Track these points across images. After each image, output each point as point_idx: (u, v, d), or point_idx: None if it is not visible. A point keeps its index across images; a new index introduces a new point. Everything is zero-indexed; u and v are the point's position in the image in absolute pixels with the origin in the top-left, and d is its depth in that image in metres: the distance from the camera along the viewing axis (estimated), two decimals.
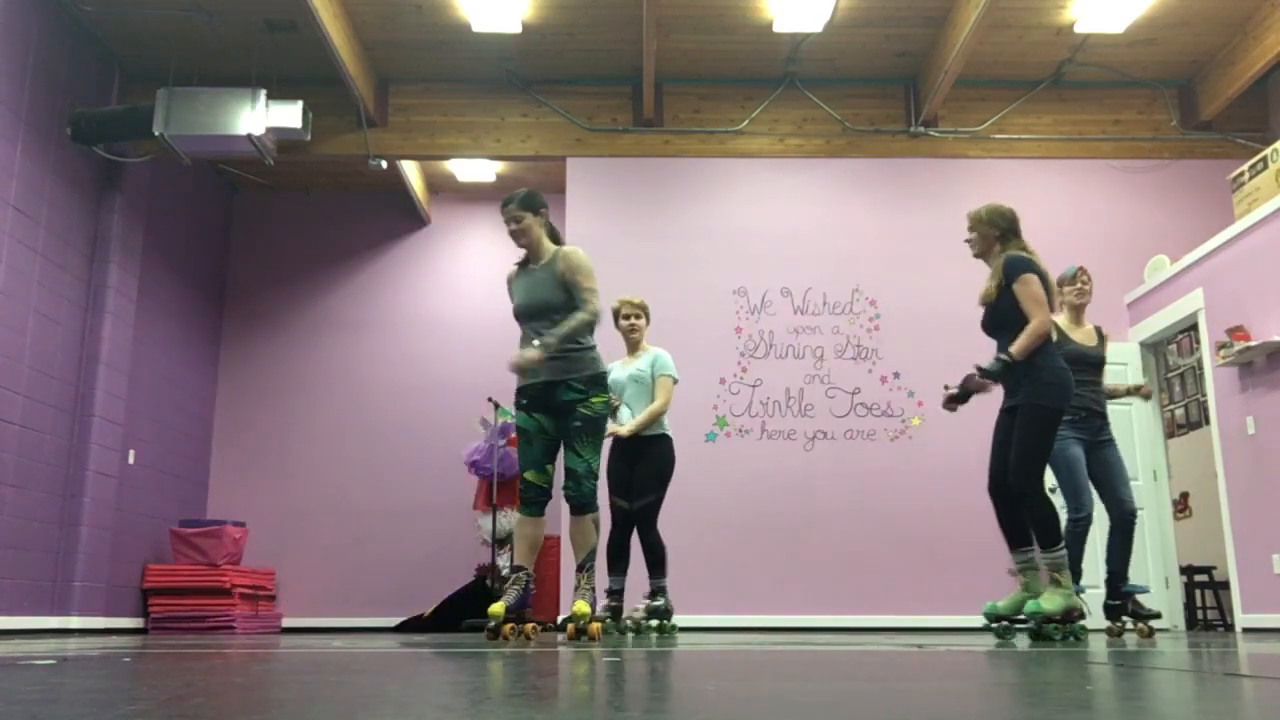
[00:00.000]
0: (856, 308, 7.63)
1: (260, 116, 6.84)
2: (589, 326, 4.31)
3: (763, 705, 1.48)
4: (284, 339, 9.11)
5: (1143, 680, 1.99)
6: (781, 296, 7.65)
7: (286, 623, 8.43)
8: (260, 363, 9.05)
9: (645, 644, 4.00)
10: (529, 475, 4.29)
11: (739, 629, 6.70)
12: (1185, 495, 8.45)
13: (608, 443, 4.94)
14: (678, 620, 5.65)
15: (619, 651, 3.23)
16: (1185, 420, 8.70)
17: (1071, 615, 4.29)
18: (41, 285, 6.48)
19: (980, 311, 4.58)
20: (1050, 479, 4.92)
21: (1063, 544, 4.36)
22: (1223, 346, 6.34)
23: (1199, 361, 7.62)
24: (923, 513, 7.21)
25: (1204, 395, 7.43)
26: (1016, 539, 4.39)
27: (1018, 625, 4.47)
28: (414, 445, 8.85)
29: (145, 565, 7.72)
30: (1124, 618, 5.30)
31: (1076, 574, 4.99)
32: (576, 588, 4.35)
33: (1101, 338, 5.46)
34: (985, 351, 4.66)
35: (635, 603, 5.53)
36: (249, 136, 6.84)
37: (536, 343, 4.17)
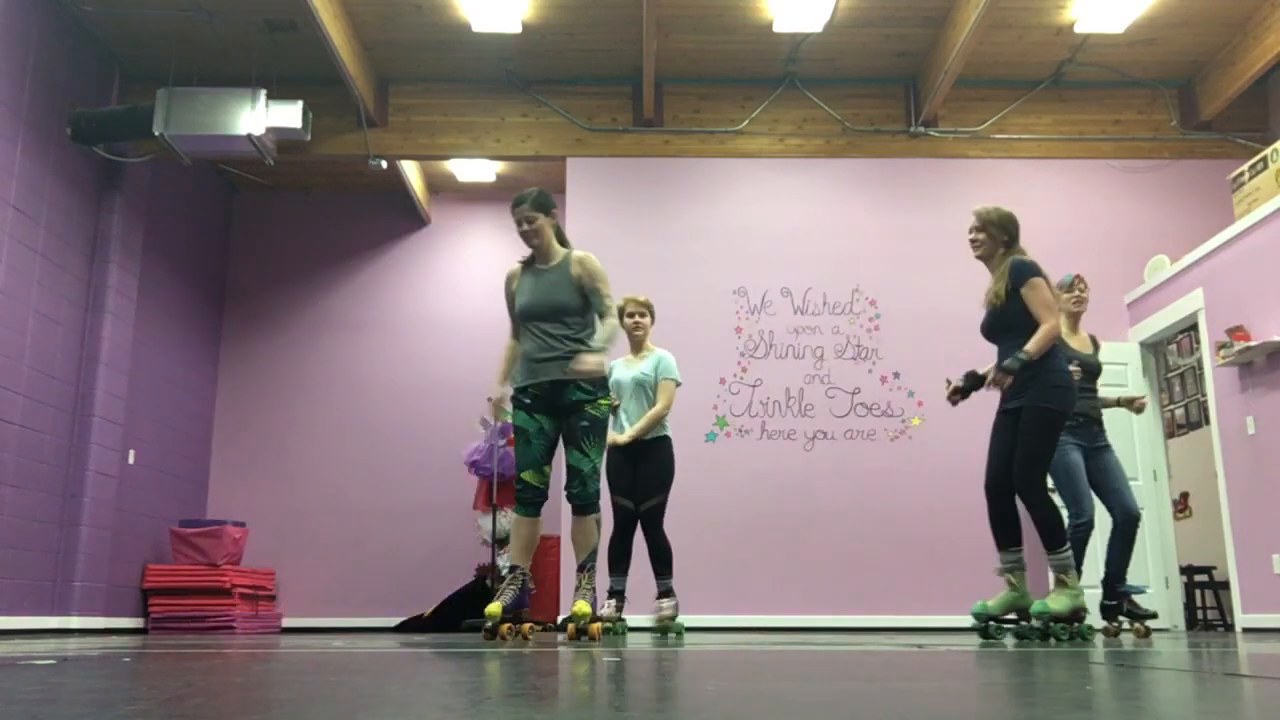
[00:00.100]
0: (856, 308, 7.63)
1: (260, 116, 6.84)
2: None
3: (763, 705, 1.48)
4: (284, 339, 9.11)
5: (1142, 680, 1.99)
6: (781, 296, 7.65)
7: (286, 623, 8.43)
8: (260, 363, 9.06)
9: (646, 644, 4.00)
10: (527, 475, 4.29)
11: (739, 629, 6.71)
12: (1185, 495, 8.45)
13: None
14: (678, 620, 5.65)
15: (619, 651, 3.23)
16: (1185, 420, 8.71)
17: (1079, 615, 4.33)
18: (41, 285, 6.48)
19: (979, 316, 4.60)
20: (1049, 483, 4.92)
21: (1068, 545, 4.39)
22: (1223, 346, 6.33)
23: (1199, 361, 7.62)
24: (923, 513, 7.21)
25: (1204, 395, 7.43)
26: (1006, 539, 4.41)
27: (1005, 625, 4.49)
28: (414, 445, 8.85)
29: (145, 565, 7.72)
30: (1120, 618, 5.32)
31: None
32: (577, 588, 4.35)
33: (1096, 346, 5.49)
34: (986, 351, 4.66)
35: (636, 603, 5.53)
36: (249, 136, 6.84)
37: (592, 353, 4.23)
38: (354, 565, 8.63)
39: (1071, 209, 7.74)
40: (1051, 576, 4.40)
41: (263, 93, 6.87)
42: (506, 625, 4.18)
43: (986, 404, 4.65)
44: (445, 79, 7.89)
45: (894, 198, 7.81)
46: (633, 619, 5.62)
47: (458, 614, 7.42)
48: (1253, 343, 6.10)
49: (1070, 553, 4.40)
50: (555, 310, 4.31)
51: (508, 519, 7.54)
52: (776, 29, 7.17)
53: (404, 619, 8.04)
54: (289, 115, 6.95)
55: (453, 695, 1.65)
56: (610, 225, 7.68)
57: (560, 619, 6.69)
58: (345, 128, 7.76)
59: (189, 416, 8.51)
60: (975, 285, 4.82)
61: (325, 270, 9.26)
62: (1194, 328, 7.10)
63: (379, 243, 9.34)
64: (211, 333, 8.95)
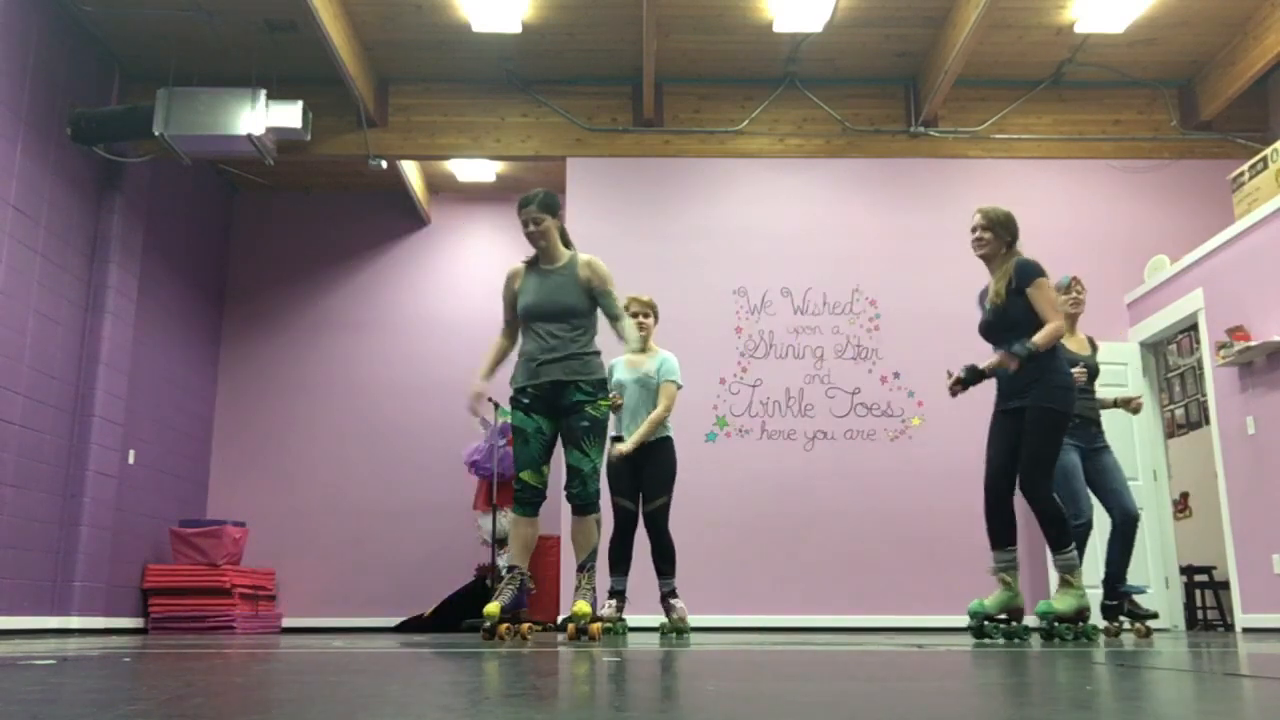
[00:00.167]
0: (856, 308, 7.63)
1: (260, 116, 6.83)
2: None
3: (763, 705, 1.48)
4: (284, 339, 9.11)
5: (1143, 680, 1.99)
6: (781, 296, 7.65)
7: (286, 623, 8.43)
8: (260, 363, 9.06)
9: (646, 644, 4.00)
10: (525, 475, 4.30)
11: (739, 629, 6.71)
12: (1185, 495, 8.45)
13: (608, 445, 4.94)
14: None
15: (619, 651, 3.23)
16: (1185, 420, 8.71)
17: (1083, 615, 4.34)
18: (41, 285, 6.48)
19: (976, 315, 4.60)
20: None
21: (1073, 545, 4.40)
22: (1223, 346, 6.34)
23: (1199, 361, 7.62)
24: (923, 513, 7.21)
25: (1204, 395, 7.43)
26: (1001, 539, 4.42)
27: (998, 624, 4.50)
28: (414, 445, 8.85)
29: (145, 565, 7.72)
30: (1121, 618, 5.32)
31: None
32: (577, 588, 4.36)
33: (1094, 347, 5.50)
34: (987, 351, 4.66)
35: (638, 603, 5.53)
36: (249, 136, 6.84)
37: (634, 342, 4.47)
38: (354, 565, 8.63)
39: (1071, 209, 7.74)
40: (1056, 576, 4.41)
41: (263, 93, 6.86)
42: (504, 625, 4.18)
43: (987, 403, 4.65)
44: (445, 79, 7.89)
45: (894, 198, 7.81)
46: (633, 619, 5.62)
47: (458, 614, 7.42)
48: (1253, 343, 6.10)
49: (1075, 553, 4.41)
50: (562, 311, 4.32)
51: (508, 519, 7.53)
52: (776, 29, 7.17)
53: (404, 619, 8.04)
54: (289, 115, 6.95)
55: (453, 695, 1.65)
56: (610, 225, 7.68)
57: (560, 619, 6.69)
58: (345, 128, 7.76)
59: (189, 416, 8.51)
60: (975, 285, 4.82)
61: (325, 270, 9.26)
62: (1194, 328, 7.10)
63: (379, 243, 9.34)
64: (211, 333, 8.95)
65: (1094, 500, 5.31)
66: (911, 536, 7.18)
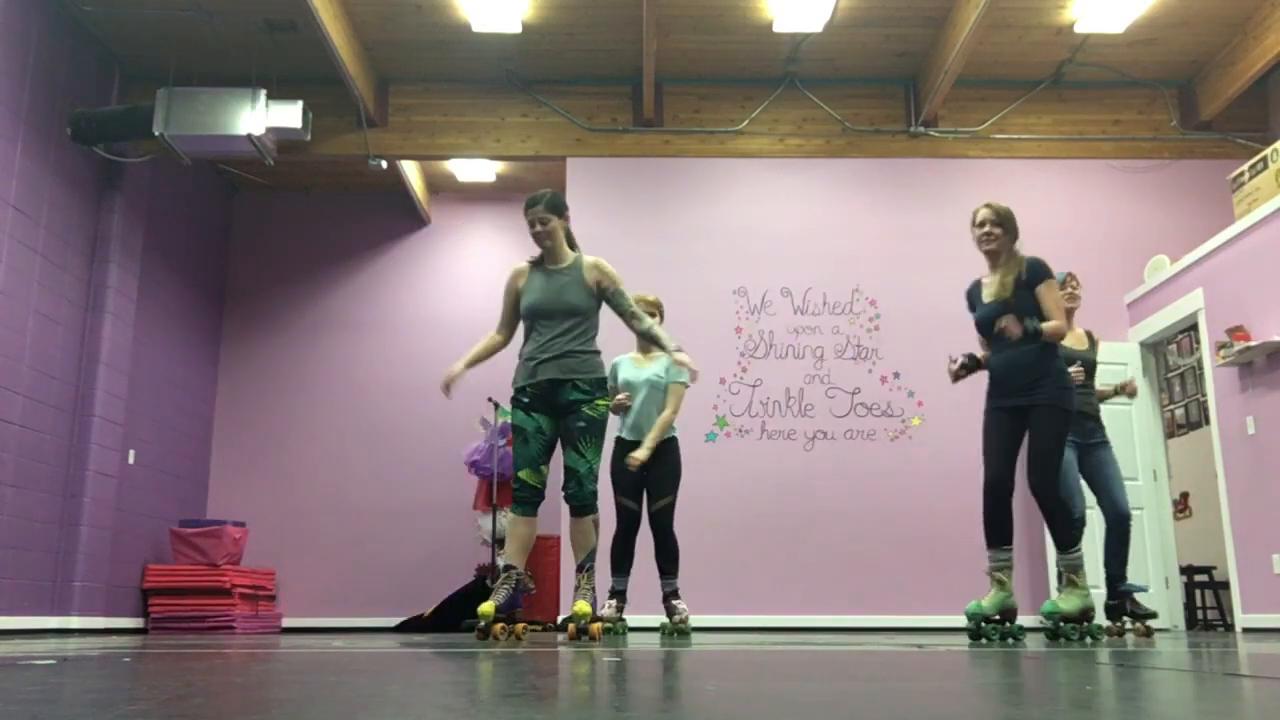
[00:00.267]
0: (856, 308, 7.63)
1: (260, 116, 6.83)
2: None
3: (763, 705, 1.48)
4: (284, 339, 9.11)
5: (1143, 680, 1.99)
6: (781, 296, 7.65)
7: (286, 623, 8.43)
8: (260, 363, 9.06)
9: (646, 644, 4.00)
10: (524, 474, 4.30)
11: (739, 629, 6.71)
12: (1185, 495, 8.45)
13: (608, 446, 4.93)
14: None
15: (619, 651, 3.23)
16: (1185, 420, 8.71)
17: (1088, 615, 4.35)
18: (41, 285, 6.48)
19: (968, 314, 4.62)
20: None
21: (1079, 545, 4.41)
22: (1223, 346, 6.34)
23: (1199, 361, 7.62)
24: (923, 513, 7.21)
25: (1204, 395, 7.43)
26: (998, 538, 4.42)
27: (994, 625, 4.50)
28: (414, 445, 8.85)
29: (145, 565, 7.72)
30: (1123, 617, 5.32)
31: None
32: (577, 588, 4.37)
33: (1093, 342, 5.51)
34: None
35: (638, 603, 5.53)
36: (249, 136, 6.84)
37: (675, 348, 4.37)
38: (354, 565, 8.63)
39: (1071, 209, 7.74)
40: (1061, 576, 4.43)
41: (263, 93, 6.86)
42: (499, 625, 4.18)
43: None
44: (445, 79, 7.89)
45: (894, 198, 7.81)
46: (634, 619, 5.62)
47: (458, 614, 7.42)
48: (1253, 343, 6.10)
49: (1080, 553, 4.42)
50: (567, 311, 4.35)
51: (507, 519, 7.54)
52: (776, 29, 7.17)
53: (404, 619, 8.03)
54: (289, 115, 6.95)
55: (453, 695, 1.65)
56: (610, 225, 7.68)
57: (560, 619, 6.69)
58: (345, 128, 7.76)
59: (189, 416, 8.50)
60: None
61: (325, 270, 9.26)
62: (1194, 328, 7.10)
63: (379, 243, 9.34)
64: (211, 333, 8.94)
65: (1092, 499, 5.32)
66: (911, 536, 7.18)
